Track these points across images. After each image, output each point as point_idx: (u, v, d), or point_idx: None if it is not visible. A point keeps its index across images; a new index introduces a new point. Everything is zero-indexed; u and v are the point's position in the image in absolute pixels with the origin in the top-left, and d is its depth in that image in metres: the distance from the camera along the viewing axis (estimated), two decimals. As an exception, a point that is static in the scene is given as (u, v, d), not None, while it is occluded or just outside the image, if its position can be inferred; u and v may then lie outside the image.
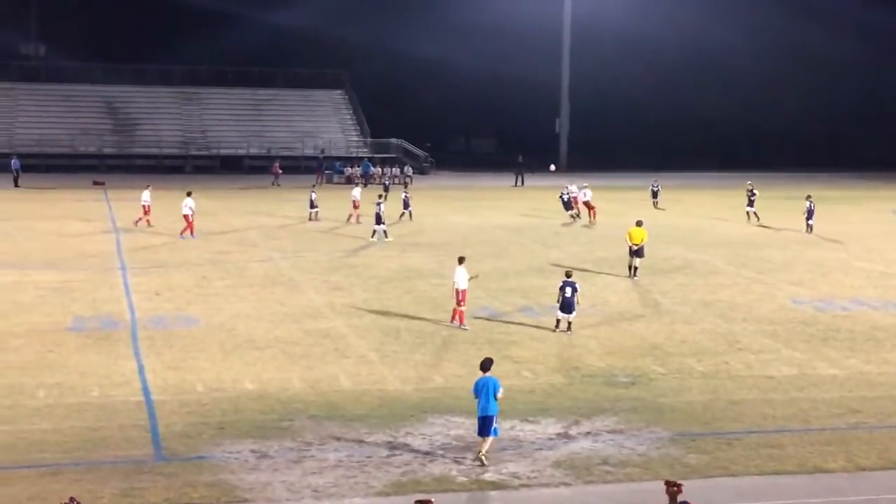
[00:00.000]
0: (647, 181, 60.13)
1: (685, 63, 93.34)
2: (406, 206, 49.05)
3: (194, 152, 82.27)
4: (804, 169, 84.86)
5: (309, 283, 32.80)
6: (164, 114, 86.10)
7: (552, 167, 63.69)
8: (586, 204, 49.93)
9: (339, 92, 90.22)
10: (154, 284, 32.15)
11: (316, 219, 48.20)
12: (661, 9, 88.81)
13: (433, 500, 12.87)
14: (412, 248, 40.43)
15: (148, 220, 45.43)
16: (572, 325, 26.27)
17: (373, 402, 20.49)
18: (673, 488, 12.48)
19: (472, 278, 27.28)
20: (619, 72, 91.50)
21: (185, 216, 42.46)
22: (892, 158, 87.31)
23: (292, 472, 16.71)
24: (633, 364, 23.53)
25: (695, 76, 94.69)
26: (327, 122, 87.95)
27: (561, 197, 51.49)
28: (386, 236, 42.09)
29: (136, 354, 23.79)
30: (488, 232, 45.66)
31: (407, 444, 18.05)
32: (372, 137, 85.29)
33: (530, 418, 19.47)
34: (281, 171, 70.88)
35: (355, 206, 47.92)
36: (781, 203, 55.28)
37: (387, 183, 61.68)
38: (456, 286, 26.62)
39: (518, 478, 16.64)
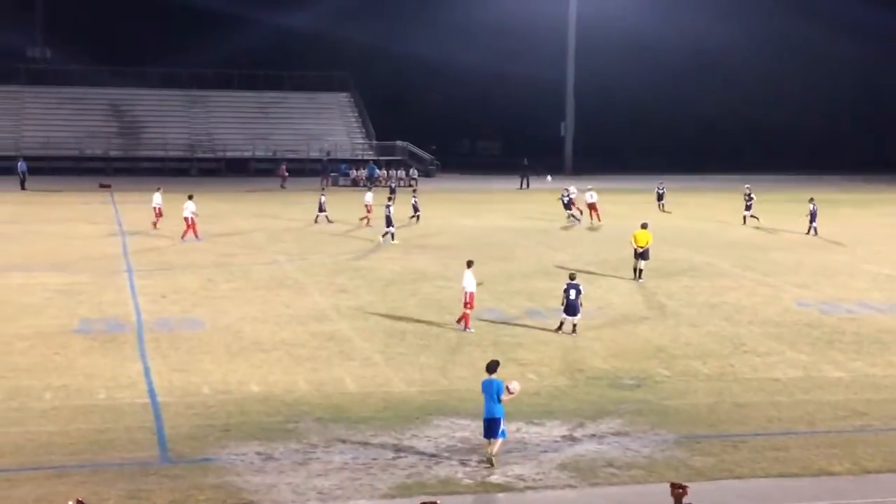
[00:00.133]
0: (652, 184, 60.11)
1: (690, 65, 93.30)
2: (415, 209, 49.22)
3: (200, 155, 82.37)
4: (809, 171, 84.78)
5: (314, 286, 32.84)
6: (170, 116, 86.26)
7: (548, 178, 63.80)
8: (591, 206, 50.00)
9: (345, 94, 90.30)
10: (160, 287, 32.21)
11: (328, 221, 48.17)
12: (666, 10, 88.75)
13: (438, 502, 12.89)
14: (417, 251, 40.46)
15: (154, 223, 45.48)
16: (577, 328, 26.30)
17: (378, 405, 20.52)
18: (678, 490, 12.46)
19: (478, 285, 27.35)
20: (625, 74, 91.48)
21: (185, 219, 42.49)
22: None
23: (298, 474, 16.74)
24: (638, 366, 23.53)
25: (700, 78, 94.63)
26: (333, 124, 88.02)
27: (561, 199, 51.69)
28: (392, 238, 42.18)
29: (143, 357, 23.84)
30: (494, 234, 45.68)
31: (412, 447, 18.07)
32: (377, 140, 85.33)
33: (535, 420, 19.48)
34: (287, 174, 70.97)
35: (368, 211, 48.04)
36: (785, 206, 55.26)
37: (393, 185, 61.75)
38: (465, 289, 26.64)
39: (523, 480, 16.65)
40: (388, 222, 42.21)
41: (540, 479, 16.68)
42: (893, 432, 19.26)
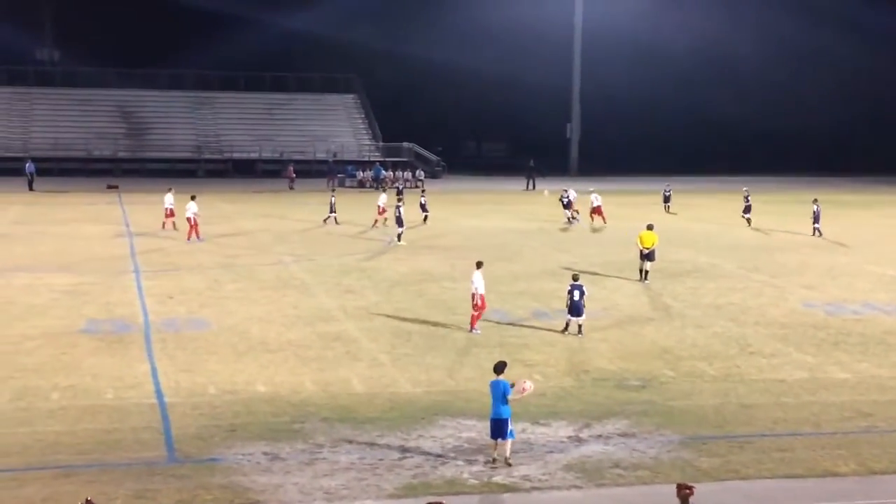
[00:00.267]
0: (658, 186, 60.13)
1: (695, 67, 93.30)
2: (424, 209, 49.35)
3: (207, 156, 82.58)
4: (815, 173, 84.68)
5: (321, 287, 32.90)
6: (177, 118, 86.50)
7: (546, 192, 63.95)
8: (596, 210, 50.05)
9: (351, 96, 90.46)
10: (167, 287, 32.29)
11: (336, 223, 48.23)
12: (671, 13, 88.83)
13: (444, 502, 12.94)
14: (424, 252, 40.51)
15: (164, 224, 45.60)
16: (583, 329, 26.33)
17: (384, 405, 20.55)
18: (685, 491, 12.50)
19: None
20: (630, 75, 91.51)
21: (188, 219, 42.57)
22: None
23: (304, 474, 16.78)
24: (643, 367, 23.54)
25: (705, 80, 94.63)
26: (339, 126, 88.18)
27: (561, 199, 51.93)
28: (399, 239, 42.26)
29: (149, 357, 23.90)
30: (499, 235, 45.73)
31: (418, 447, 18.10)
32: (384, 141, 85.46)
33: (541, 421, 19.50)
34: (295, 175, 71.09)
35: (380, 212, 48.13)
36: (789, 207, 55.20)
37: (400, 186, 61.89)
38: (474, 290, 26.60)
39: (529, 480, 16.67)
40: (399, 223, 42.39)
41: (546, 480, 16.70)
42: (899, 433, 19.25)
